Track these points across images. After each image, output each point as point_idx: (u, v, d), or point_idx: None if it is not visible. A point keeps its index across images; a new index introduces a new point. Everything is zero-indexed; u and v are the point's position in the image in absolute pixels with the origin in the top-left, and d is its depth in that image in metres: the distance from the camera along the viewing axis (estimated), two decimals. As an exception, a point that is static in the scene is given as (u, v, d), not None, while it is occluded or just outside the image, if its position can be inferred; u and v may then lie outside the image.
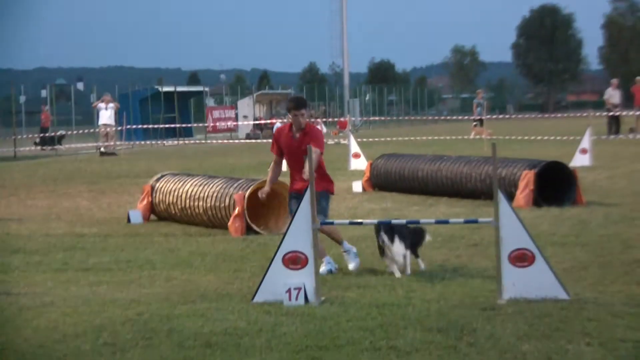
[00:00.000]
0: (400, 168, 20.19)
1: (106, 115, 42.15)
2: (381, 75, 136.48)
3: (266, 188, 11.76)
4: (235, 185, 15.20)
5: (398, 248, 10.85)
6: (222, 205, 15.09)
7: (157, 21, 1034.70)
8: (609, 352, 7.24)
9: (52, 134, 50.21)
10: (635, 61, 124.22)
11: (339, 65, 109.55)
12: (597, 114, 40.02)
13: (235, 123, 64.28)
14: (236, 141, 54.89)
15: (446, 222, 12.44)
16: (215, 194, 15.34)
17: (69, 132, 52.40)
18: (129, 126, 49.64)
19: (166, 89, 63.55)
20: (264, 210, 15.06)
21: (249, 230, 14.60)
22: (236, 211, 14.59)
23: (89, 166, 33.79)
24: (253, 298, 9.51)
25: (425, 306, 9.05)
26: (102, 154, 41.28)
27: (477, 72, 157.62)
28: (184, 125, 57.16)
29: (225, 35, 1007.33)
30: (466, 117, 57.19)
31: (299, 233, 9.55)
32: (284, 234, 9.71)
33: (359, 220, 11.32)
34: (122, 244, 14.03)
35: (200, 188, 15.80)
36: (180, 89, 65.42)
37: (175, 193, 16.24)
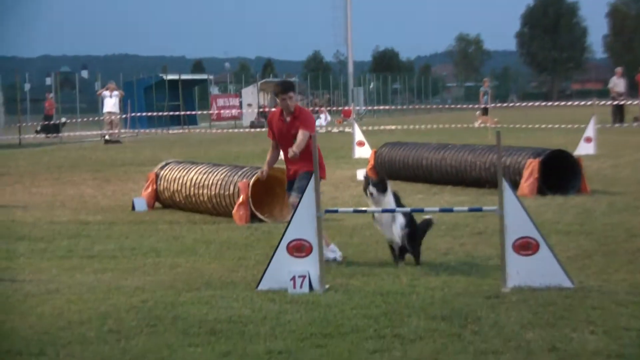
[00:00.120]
0: (404, 156, 20.19)
1: (111, 103, 42.17)
2: (385, 63, 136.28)
3: (264, 168, 11.84)
4: (239, 173, 15.20)
5: (390, 199, 10.90)
6: (227, 193, 15.10)
7: (161, 9, 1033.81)
8: (613, 341, 7.25)
9: (52, 122, 50.19)
10: (639, 50, 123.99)
11: (343, 53, 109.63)
12: (602, 102, 39.91)
13: (239, 111, 64.29)
14: (240, 129, 54.89)
15: (450, 210, 12.47)
16: (219, 182, 15.35)
17: (74, 120, 52.41)
18: (133, 114, 49.65)
19: (170, 77, 63.54)
20: (268, 198, 15.08)
21: (253, 218, 14.61)
22: (240, 199, 14.60)
23: (93, 154, 33.82)
24: (257, 286, 9.53)
25: (429, 294, 9.06)
26: (106, 141, 41.30)
27: (482, 60, 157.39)
28: (188, 113, 57.16)
29: (229, 23, 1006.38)
30: (470, 106, 57.14)
31: (303, 221, 9.56)
32: (289, 222, 9.73)
33: (364, 209, 11.30)
34: (126, 232, 14.06)
35: (205, 176, 15.81)
36: (184, 77, 65.38)
37: (180, 181, 16.25)
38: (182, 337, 7.72)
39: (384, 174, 11.46)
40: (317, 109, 62.90)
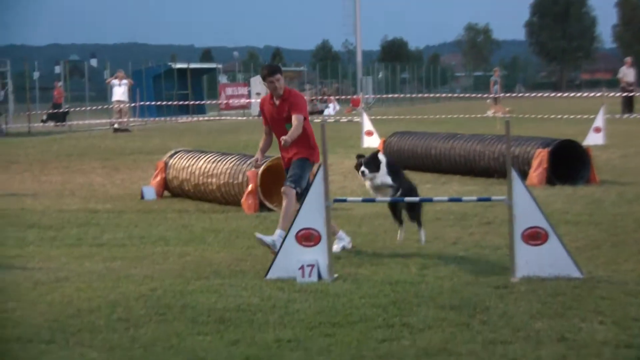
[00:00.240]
0: (413, 146, 20.19)
1: (119, 91, 42.19)
2: (394, 53, 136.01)
3: (257, 155, 11.58)
4: (248, 162, 15.20)
5: (384, 178, 10.90)
6: (236, 182, 15.11)
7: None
8: (622, 331, 7.25)
9: (58, 110, 50.22)
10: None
11: (352, 42, 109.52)
12: (612, 94, 39.82)
13: (248, 100, 64.24)
14: (249, 118, 54.87)
15: (459, 200, 12.43)
16: (228, 171, 15.36)
17: (82, 109, 52.44)
18: (142, 103, 49.66)
19: (179, 65, 63.53)
20: (277, 187, 15.06)
21: (262, 207, 14.62)
22: (249, 188, 14.61)
23: (102, 142, 33.85)
24: (266, 275, 9.54)
25: (438, 284, 9.07)
26: (115, 130, 41.33)
27: (491, 50, 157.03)
28: (196, 102, 57.15)
29: (238, 12, 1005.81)
30: (480, 95, 57.04)
31: (312, 210, 9.57)
32: (297, 211, 9.74)
33: (372, 198, 11.29)
34: (135, 220, 14.08)
35: (214, 165, 15.83)
36: (193, 65, 65.35)
37: (189, 170, 16.26)
38: (191, 325, 7.74)
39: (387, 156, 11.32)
40: (325, 98, 62.92)
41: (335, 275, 9.46)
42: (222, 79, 75.78)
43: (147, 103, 50.40)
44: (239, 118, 55.83)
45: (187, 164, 16.42)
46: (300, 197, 10.98)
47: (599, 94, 33.90)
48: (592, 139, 25.56)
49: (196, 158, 16.45)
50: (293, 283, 9.23)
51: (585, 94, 48.26)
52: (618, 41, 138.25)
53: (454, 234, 11.99)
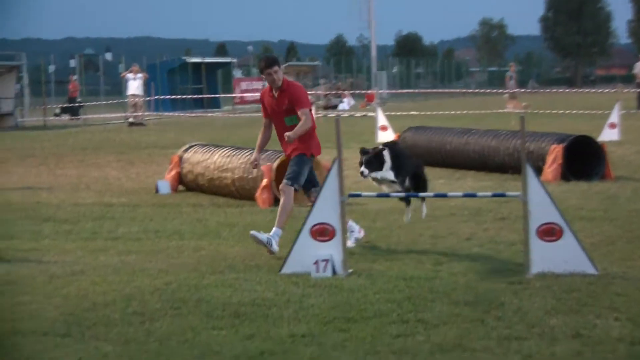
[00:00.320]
0: (427, 141, 20.17)
1: (134, 85, 42.24)
2: (408, 47, 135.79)
3: (255, 155, 11.36)
4: (263, 156, 15.19)
5: (388, 174, 10.74)
6: (250, 176, 15.13)
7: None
8: (637, 327, 7.24)
9: (72, 104, 50.34)
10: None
11: (367, 37, 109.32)
12: (627, 90, 39.68)
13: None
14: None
15: (474, 195, 12.45)
16: (243, 165, 15.37)
17: (97, 102, 52.55)
18: (157, 97, 49.70)
19: (194, 60, 63.61)
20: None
21: (276, 201, 14.60)
22: (264, 182, 14.62)
23: (117, 136, 33.93)
24: (281, 269, 9.56)
25: (452, 279, 9.07)
26: (130, 124, 41.41)
27: (505, 45, 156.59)
28: (211, 96, 57.18)
29: (253, 6, 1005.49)
30: (494, 91, 56.90)
31: (326, 205, 9.58)
32: (312, 206, 9.74)
33: (386, 193, 11.30)
34: (150, 214, 14.11)
35: (228, 159, 15.84)
36: (207, 60, 65.40)
37: (203, 164, 16.29)
38: (206, 319, 7.76)
39: (391, 146, 11.04)
40: (340, 93, 62.85)
41: (350, 270, 9.47)
42: (237, 73, 75.77)
43: (162, 97, 50.46)
44: (254, 113, 55.81)
45: (201, 158, 16.45)
46: (306, 191, 10.97)
47: (614, 90, 33.80)
48: (607, 135, 25.46)
49: (211, 152, 16.47)
50: (307, 278, 9.24)
51: (600, 90, 48.10)
52: (633, 36, 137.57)
53: (469, 230, 11.98)
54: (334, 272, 9.37)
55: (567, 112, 39.79)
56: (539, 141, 17.30)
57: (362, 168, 10.37)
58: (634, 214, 12.86)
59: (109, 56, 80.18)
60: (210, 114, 52.80)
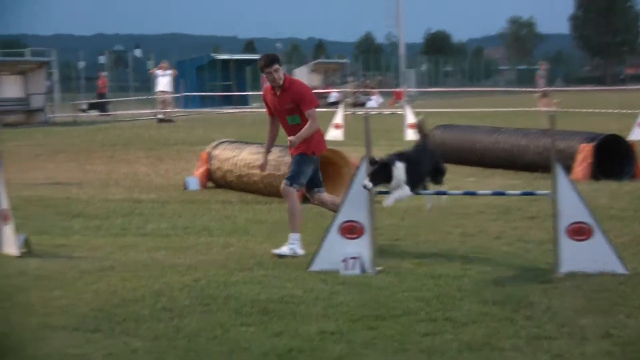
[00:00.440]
0: (456, 139, 20.11)
1: (163, 82, 42.39)
2: (437, 45, 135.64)
3: (262, 159, 11.32)
4: (272, 157, 15.19)
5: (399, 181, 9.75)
6: (279, 173, 15.12)
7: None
8: (668, 328, 7.20)
9: (100, 100, 50.58)
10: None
11: (395, 35, 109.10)
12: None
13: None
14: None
15: (503, 193, 12.37)
16: (271, 162, 15.36)
17: (126, 98, 52.79)
18: (185, 93, 49.86)
19: (222, 57, 63.74)
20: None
21: (304, 199, 14.62)
22: (292, 180, 14.59)
23: (146, 132, 34.05)
24: (309, 267, 9.56)
25: (481, 278, 9.05)
26: (159, 120, 41.56)
27: (534, 43, 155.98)
28: (240, 93, 57.28)
29: (281, 3, 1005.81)
30: (523, 89, 56.64)
31: (355, 203, 9.58)
32: (341, 204, 9.74)
33: (416, 191, 11.26)
34: (179, 211, 14.16)
35: (257, 156, 15.84)
36: (236, 57, 65.56)
37: (232, 161, 16.32)
38: (235, 316, 7.78)
39: (397, 156, 9.93)
40: (368, 90, 62.78)
41: (378, 268, 9.46)
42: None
43: (191, 94, 50.60)
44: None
45: (230, 155, 16.48)
46: (308, 191, 10.88)
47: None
48: (637, 134, 25.30)
49: (239, 149, 16.50)
50: (336, 275, 9.25)
51: (630, 88, 47.79)
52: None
53: (498, 228, 11.95)
54: (363, 269, 9.37)
55: (597, 111, 39.59)
56: (568, 140, 17.22)
57: (366, 181, 9.49)
58: (664, 214, 12.78)
59: (138, 53, 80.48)
60: (238, 111, 52.88)
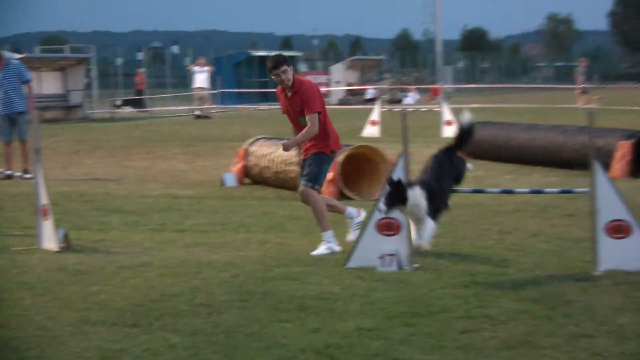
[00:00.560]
0: (493, 136, 20.03)
1: (201, 78, 42.53)
2: (474, 42, 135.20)
3: (298, 158, 11.04)
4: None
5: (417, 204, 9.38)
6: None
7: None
8: None
9: (136, 96, 50.83)
10: None
11: (432, 31, 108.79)
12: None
13: (327, 88, 64.33)
14: (328, 107, 54.86)
15: (541, 191, 12.32)
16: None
17: (164, 95, 53.02)
18: (223, 90, 49.99)
19: (259, 53, 63.84)
20: (356, 176, 15.10)
21: (342, 195, 14.64)
22: (330, 176, 14.62)
23: (183, 129, 34.19)
24: (346, 263, 9.57)
25: (519, 275, 9.02)
26: (196, 117, 41.71)
27: (572, 40, 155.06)
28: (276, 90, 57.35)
29: (318, 0, 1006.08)
30: (560, 86, 56.27)
31: (392, 199, 9.54)
32: (377, 200, 9.73)
33: (452, 189, 11.22)
34: (216, 207, 14.22)
35: (293, 152, 15.85)
36: (273, 53, 65.54)
37: (269, 157, 16.35)
38: (272, 312, 7.80)
39: (415, 181, 9.53)
40: (405, 87, 62.66)
41: (416, 265, 9.45)
42: (302, 67, 75.92)
43: (228, 90, 50.72)
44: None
45: (267, 152, 16.51)
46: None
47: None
48: (677, 132, 25.07)
49: (276, 146, 16.52)
50: (373, 272, 9.25)
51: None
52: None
53: (535, 226, 11.89)
54: (400, 266, 9.36)
55: (636, 108, 39.27)
56: (607, 137, 17.10)
57: (381, 204, 9.23)
58: None
59: (175, 49, 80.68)
60: (275, 108, 52.93)
